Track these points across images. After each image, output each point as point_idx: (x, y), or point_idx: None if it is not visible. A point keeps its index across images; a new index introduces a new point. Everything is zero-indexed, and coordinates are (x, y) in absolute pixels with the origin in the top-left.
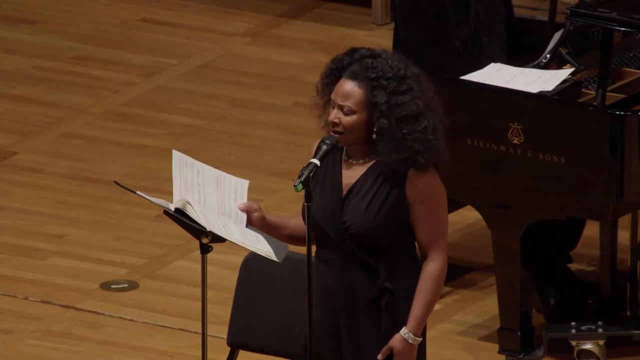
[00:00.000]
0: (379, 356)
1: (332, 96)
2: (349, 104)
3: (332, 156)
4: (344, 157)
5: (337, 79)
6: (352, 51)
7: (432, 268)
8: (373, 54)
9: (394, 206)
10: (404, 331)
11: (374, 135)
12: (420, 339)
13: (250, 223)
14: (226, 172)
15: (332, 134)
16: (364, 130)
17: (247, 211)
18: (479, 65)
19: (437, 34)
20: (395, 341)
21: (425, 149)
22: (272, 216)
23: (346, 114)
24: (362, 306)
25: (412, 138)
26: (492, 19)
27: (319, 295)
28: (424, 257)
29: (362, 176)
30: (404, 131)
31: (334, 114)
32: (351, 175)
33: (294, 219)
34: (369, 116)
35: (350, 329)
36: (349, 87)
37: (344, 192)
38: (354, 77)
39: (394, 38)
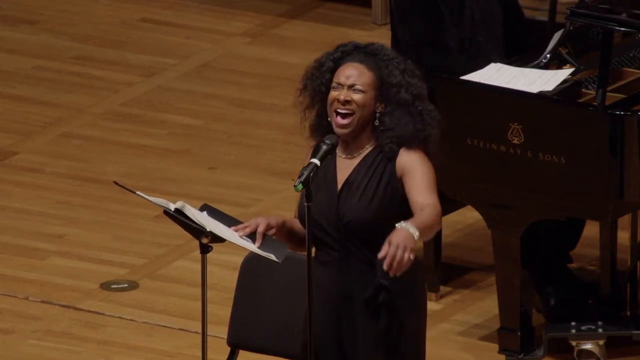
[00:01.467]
0: (380, 254)
1: (339, 79)
2: (359, 83)
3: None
4: (338, 154)
5: (331, 70)
6: (343, 44)
7: (432, 205)
8: (371, 44)
9: (387, 189)
10: (399, 223)
11: (376, 122)
12: (418, 232)
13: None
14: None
15: (335, 118)
16: (368, 113)
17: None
18: (477, 65)
19: (433, 35)
20: (392, 233)
21: (434, 127)
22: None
23: (355, 94)
24: (361, 304)
25: (427, 115)
26: (488, 19)
27: (318, 294)
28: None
29: (355, 168)
30: (419, 108)
31: (345, 93)
32: (345, 169)
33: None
34: (375, 98)
35: (349, 328)
36: (358, 69)
37: (339, 186)
38: (360, 61)
39: (391, 39)
